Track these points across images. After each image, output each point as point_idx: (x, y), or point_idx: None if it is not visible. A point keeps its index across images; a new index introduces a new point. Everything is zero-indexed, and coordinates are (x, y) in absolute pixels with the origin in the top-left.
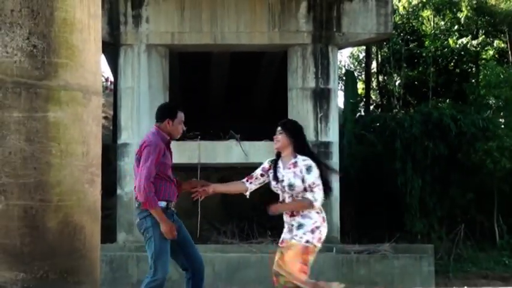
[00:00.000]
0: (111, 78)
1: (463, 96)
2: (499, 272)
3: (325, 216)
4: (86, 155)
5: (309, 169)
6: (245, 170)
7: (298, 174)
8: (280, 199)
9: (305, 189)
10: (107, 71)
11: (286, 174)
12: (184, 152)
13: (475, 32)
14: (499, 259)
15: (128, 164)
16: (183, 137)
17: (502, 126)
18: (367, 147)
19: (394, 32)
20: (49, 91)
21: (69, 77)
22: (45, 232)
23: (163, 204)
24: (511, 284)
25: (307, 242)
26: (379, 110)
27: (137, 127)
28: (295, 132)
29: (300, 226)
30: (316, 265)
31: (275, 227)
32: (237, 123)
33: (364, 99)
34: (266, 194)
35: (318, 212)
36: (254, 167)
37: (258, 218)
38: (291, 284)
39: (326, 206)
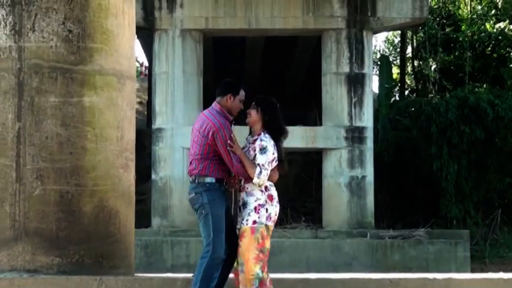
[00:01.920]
0: (146, 63)
1: (501, 81)
2: None
3: (273, 194)
4: (121, 140)
5: (262, 150)
6: None
7: (250, 152)
8: (240, 182)
9: None
10: (141, 56)
11: (247, 148)
12: None
13: None
14: None
15: (162, 149)
16: None
17: None
18: (402, 132)
19: (430, 16)
20: (84, 76)
21: (104, 61)
22: (81, 217)
23: (212, 180)
24: None
25: (254, 222)
26: (414, 95)
27: (172, 112)
28: (268, 110)
29: (244, 205)
30: (350, 250)
31: (309, 213)
32: None
33: (399, 84)
34: (300, 181)
35: (261, 191)
36: (289, 152)
37: (292, 203)
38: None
39: (360, 190)
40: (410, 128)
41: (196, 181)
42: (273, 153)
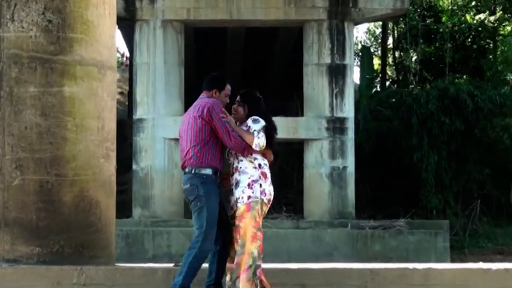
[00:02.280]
0: (127, 54)
1: (480, 72)
2: None
3: (266, 172)
4: (101, 130)
5: (255, 120)
6: None
7: (243, 128)
8: (233, 165)
9: None
10: (122, 47)
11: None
12: None
13: (492, 8)
14: None
15: (143, 139)
16: None
17: None
18: (383, 122)
19: (410, 7)
20: (64, 66)
21: (84, 52)
22: (61, 207)
23: (209, 171)
24: None
25: (249, 197)
26: (395, 85)
27: (153, 102)
28: (254, 107)
29: (237, 184)
30: (331, 240)
31: (290, 203)
32: None
33: (380, 75)
34: (281, 171)
35: (255, 167)
36: None
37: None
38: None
39: (341, 181)
40: (391, 118)
41: (192, 172)
42: (265, 125)
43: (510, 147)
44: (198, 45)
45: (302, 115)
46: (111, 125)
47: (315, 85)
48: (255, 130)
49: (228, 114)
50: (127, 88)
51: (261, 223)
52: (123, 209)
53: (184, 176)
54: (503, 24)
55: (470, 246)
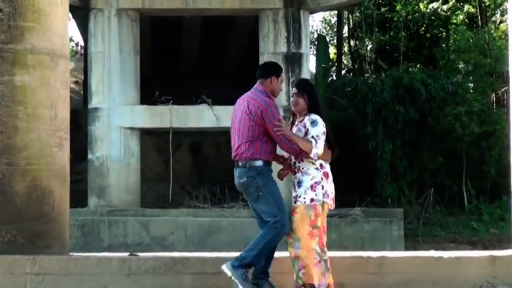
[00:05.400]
0: (82, 43)
1: (434, 61)
2: (467, 236)
3: (328, 172)
4: (54, 119)
5: (313, 123)
6: (216, 134)
7: (301, 129)
8: (295, 164)
9: None
10: (77, 36)
11: (297, 128)
12: (155, 116)
13: None
14: (467, 223)
15: (99, 128)
16: (155, 102)
17: (471, 90)
18: (339, 111)
19: None
20: (15, 55)
21: (36, 40)
22: (13, 196)
23: (261, 162)
24: (478, 248)
25: (312, 200)
26: (351, 74)
27: (108, 91)
28: (314, 97)
29: (299, 183)
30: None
31: None
32: (209, 88)
33: (336, 64)
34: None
35: (317, 168)
36: (226, 131)
37: (230, 182)
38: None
39: None
40: (346, 107)
41: (247, 165)
42: (324, 126)
43: (462, 136)
44: (154, 34)
45: None
46: (64, 114)
47: None
48: (312, 136)
49: (284, 123)
50: (82, 77)
51: (321, 222)
52: (79, 198)
53: (238, 170)
54: (456, 13)
55: (423, 234)
